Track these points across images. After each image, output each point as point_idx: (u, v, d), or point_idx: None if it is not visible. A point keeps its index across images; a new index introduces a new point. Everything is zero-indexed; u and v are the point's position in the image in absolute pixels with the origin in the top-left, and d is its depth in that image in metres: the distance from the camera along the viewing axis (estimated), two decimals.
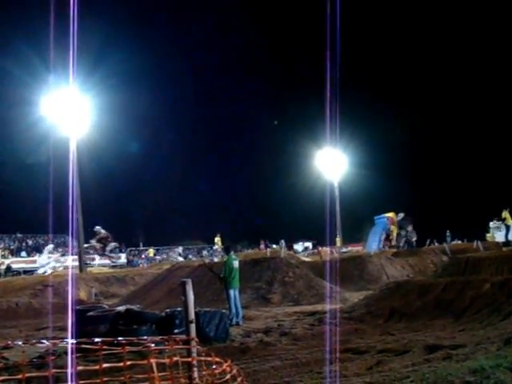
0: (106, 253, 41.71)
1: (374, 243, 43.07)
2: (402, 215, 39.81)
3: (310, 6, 46.22)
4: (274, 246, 49.72)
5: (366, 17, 59.91)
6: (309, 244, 53.53)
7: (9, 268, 39.90)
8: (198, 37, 66.44)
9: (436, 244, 42.41)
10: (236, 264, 16.50)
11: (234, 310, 16.02)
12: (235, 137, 70.78)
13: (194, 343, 5.06)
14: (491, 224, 41.96)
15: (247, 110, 70.48)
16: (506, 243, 28.36)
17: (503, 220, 32.09)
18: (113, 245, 42.25)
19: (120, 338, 4.98)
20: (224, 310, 14.59)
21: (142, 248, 55.45)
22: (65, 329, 16.35)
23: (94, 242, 39.80)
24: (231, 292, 16.18)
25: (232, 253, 17.02)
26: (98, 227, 40.03)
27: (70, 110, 33.49)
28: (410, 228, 39.84)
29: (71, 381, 3.94)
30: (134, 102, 50.20)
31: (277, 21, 66.85)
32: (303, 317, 16.61)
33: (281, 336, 13.52)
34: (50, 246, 44.56)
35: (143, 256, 52.29)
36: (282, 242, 48.10)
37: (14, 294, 27.79)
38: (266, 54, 69.48)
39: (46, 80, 33.47)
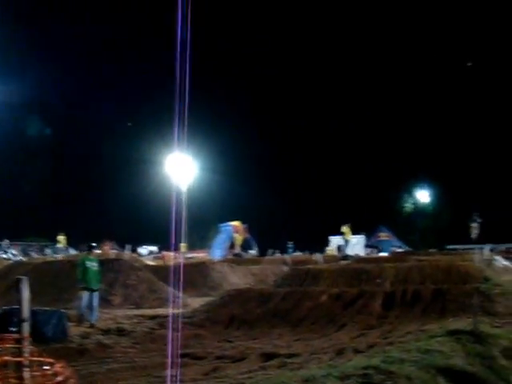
0: None
1: (218, 251, 43.56)
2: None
3: (162, 5, 45.88)
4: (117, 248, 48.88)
5: (223, 18, 60.45)
6: (154, 248, 52.95)
7: None
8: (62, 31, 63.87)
9: (278, 254, 43.51)
10: (91, 264, 16.23)
11: (84, 311, 15.72)
12: (85, 136, 68.89)
13: (26, 342, 4.86)
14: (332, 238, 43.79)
15: (100, 109, 68.92)
16: (344, 257, 29.65)
17: (343, 234, 33.54)
18: None
19: None
20: (63, 310, 14.16)
21: None
22: None
23: None
24: (86, 292, 15.89)
25: (91, 253, 16.84)
26: None
27: None
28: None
29: None
30: None
31: (128, 16, 65.76)
32: (144, 320, 16.43)
33: (120, 338, 13.31)
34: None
35: None
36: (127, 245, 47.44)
37: None
38: (120, 51, 68.30)
39: None
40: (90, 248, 17.20)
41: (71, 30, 62.89)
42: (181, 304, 19.08)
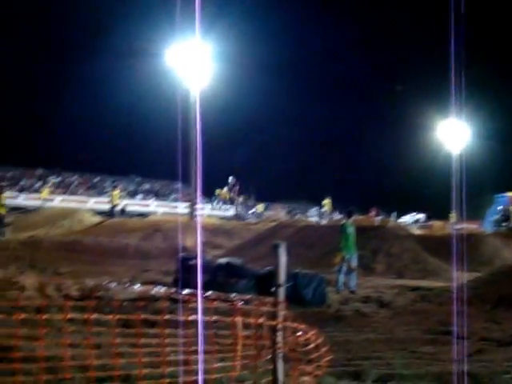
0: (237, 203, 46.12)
1: (491, 223, 41.33)
2: None
3: None
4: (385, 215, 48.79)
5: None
6: (421, 216, 51.83)
7: (123, 210, 40.77)
8: None
9: None
10: (351, 230, 16.29)
11: (340, 277, 15.81)
12: (357, 101, 69.55)
13: (280, 307, 4.90)
14: None
15: (368, 75, 69.01)
16: None
17: None
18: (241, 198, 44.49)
19: (211, 292, 4.94)
20: (323, 275, 14.40)
21: (252, 203, 55.71)
22: (168, 273, 16.68)
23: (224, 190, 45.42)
24: (344, 258, 16.01)
25: (351, 218, 16.92)
26: (231, 177, 44.73)
27: (194, 61, 33.32)
28: None
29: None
30: (257, 53, 50.09)
31: None
32: (405, 291, 16.02)
33: (379, 308, 13.12)
34: None
35: (253, 210, 52.56)
36: (394, 213, 47.22)
37: (125, 235, 28.70)
38: (391, 17, 67.39)
39: (171, 30, 33.32)
40: (350, 214, 17.20)
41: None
42: (445, 277, 18.34)
